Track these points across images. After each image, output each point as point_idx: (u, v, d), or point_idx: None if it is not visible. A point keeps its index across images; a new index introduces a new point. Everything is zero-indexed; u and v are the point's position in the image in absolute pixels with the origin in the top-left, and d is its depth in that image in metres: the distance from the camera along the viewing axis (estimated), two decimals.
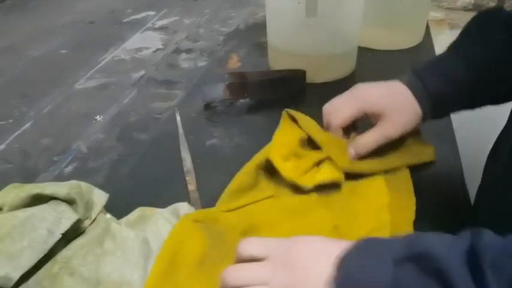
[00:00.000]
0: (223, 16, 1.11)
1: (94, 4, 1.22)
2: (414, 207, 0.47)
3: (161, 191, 0.54)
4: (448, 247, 0.29)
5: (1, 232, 0.40)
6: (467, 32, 0.53)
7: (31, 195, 0.43)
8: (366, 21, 0.80)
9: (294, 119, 0.57)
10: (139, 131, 0.67)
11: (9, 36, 1.03)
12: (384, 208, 0.47)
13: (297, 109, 0.59)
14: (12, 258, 0.39)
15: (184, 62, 0.88)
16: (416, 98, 0.51)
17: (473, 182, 0.52)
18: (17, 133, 0.68)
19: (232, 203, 0.49)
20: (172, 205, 0.49)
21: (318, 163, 0.51)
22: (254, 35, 0.98)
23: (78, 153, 0.63)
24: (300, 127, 0.55)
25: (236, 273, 0.35)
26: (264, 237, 0.38)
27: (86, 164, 0.60)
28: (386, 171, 0.52)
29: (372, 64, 0.84)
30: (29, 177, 0.58)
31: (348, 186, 0.51)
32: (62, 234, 0.41)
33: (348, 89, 0.56)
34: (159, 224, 0.47)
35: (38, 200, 0.44)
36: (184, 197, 0.52)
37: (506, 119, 0.48)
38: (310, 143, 0.55)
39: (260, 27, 0.99)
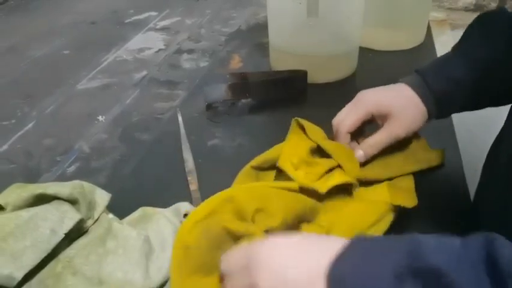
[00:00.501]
0: (224, 16, 1.11)
1: (96, 4, 1.23)
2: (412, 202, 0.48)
3: (163, 191, 0.55)
4: (455, 258, 0.26)
5: (4, 232, 0.40)
6: (470, 33, 0.53)
7: (34, 195, 0.44)
8: (367, 21, 0.80)
9: (302, 128, 0.56)
10: (141, 131, 0.67)
11: (11, 36, 1.03)
12: (384, 207, 0.47)
13: (298, 109, 0.59)
14: (15, 257, 0.39)
15: (186, 62, 0.89)
16: (420, 97, 0.51)
17: (473, 181, 0.52)
18: (19, 133, 0.68)
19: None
20: (174, 205, 0.50)
21: (329, 171, 0.51)
22: (256, 35, 0.98)
23: (81, 153, 0.63)
24: (308, 136, 0.55)
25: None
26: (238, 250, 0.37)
27: (89, 164, 0.61)
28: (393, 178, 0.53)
29: (373, 64, 0.84)
30: (32, 177, 0.58)
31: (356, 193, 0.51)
32: (65, 233, 0.42)
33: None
34: (160, 223, 0.47)
35: (41, 199, 0.44)
36: (186, 196, 0.53)
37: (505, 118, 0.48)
38: (319, 152, 0.54)
39: (262, 27, 0.99)
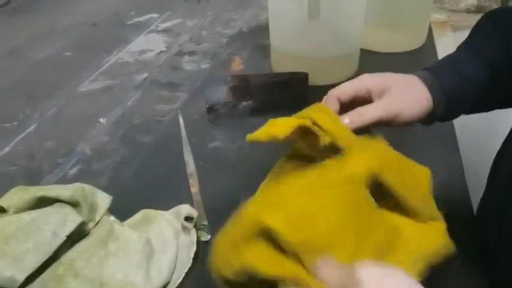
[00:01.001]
0: (226, 18, 1.11)
1: (97, 6, 1.23)
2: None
3: (164, 193, 0.55)
4: None
5: (6, 234, 0.41)
6: (480, 31, 0.50)
7: (36, 198, 0.44)
8: (368, 23, 0.80)
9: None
10: (142, 134, 0.67)
11: (13, 38, 1.03)
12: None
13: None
14: (17, 260, 0.39)
15: (188, 64, 0.89)
16: (429, 90, 0.46)
17: (475, 188, 0.51)
18: (21, 135, 0.68)
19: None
20: (175, 207, 0.50)
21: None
22: (257, 37, 0.98)
23: (82, 155, 0.63)
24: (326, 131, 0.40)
25: None
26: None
27: (90, 166, 0.61)
28: None
29: (374, 66, 0.84)
30: (34, 179, 0.58)
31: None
32: (67, 236, 0.42)
33: None
34: (161, 225, 0.47)
35: (43, 202, 0.44)
36: (187, 199, 0.53)
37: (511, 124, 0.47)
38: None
39: (263, 29, 0.99)
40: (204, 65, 0.88)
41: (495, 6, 1.55)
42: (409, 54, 0.89)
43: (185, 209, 0.49)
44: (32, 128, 0.70)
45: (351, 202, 0.35)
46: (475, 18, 0.53)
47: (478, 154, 0.57)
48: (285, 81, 0.73)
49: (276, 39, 0.80)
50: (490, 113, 0.52)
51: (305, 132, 0.41)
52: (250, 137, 0.41)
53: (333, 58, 0.77)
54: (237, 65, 0.87)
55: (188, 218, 0.48)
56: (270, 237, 0.33)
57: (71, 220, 0.43)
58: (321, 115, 0.41)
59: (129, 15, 1.15)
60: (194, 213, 0.49)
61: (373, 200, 0.38)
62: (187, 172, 0.57)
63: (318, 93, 0.75)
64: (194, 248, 0.46)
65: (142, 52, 0.95)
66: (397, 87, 0.45)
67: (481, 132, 0.71)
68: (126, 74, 0.86)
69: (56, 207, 0.44)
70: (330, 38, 0.76)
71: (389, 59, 0.87)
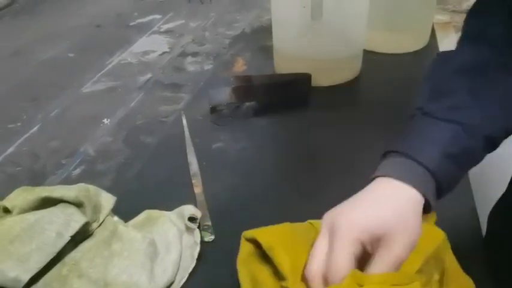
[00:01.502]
0: (228, 19, 1.11)
1: (101, 8, 1.23)
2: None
3: (167, 193, 0.55)
4: None
5: (11, 235, 0.41)
6: (450, 90, 0.40)
7: (40, 198, 0.44)
8: (371, 24, 0.80)
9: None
10: (146, 134, 0.67)
11: (17, 39, 1.04)
12: None
13: (302, 112, 0.58)
14: (21, 260, 0.39)
15: (190, 65, 0.89)
16: (416, 188, 0.36)
17: (483, 206, 0.49)
18: (25, 136, 0.69)
19: None
20: (179, 208, 0.50)
21: None
22: (260, 38, 0.98)
23: (86, 156, 0.63)
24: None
25: None
26: None
27: (94, 167, 0.61)
28: None
29: (377, 67, 0.84)
30: (38, 179, 0.59)
31: None
32: (71, 236, 0.42)
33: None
34: (165, 226, 0.47)
35: (47, 202, 0.44)
36: (191, 199, 0.53)
37: None
38: None
39: (266, 30, 0.99)
40: (207, 66, 0.88)
41: None
42: (412, 55, 0.89)
43: (189, 210, 0.49)
44: (35, 128, 0.70)
45: None
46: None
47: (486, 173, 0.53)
48: (288, 82, 0.73)
49: (279, 40, 0.80)
50: None
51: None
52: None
53: (336, 59, 0.77)
54: (240, 66, 0.87)
55: (192, 219, 0.48)
56: None
57: (75, 220, 0.43)
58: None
59: (132, 17, 1.15)
60: (198, 213, 0.49)
61: None
62: (191, 173, 0.58)
63: (321, 94, 0.75)
64: (198, 248, 0.46)
65: (146, 53, 0.95)
66: (389, 223, 0.35)
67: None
68: (130, 75, 0.86)
69: (60, 207, 0.44)
70: (333, 39, 0.76)
71: (393, 60, 0.87)
